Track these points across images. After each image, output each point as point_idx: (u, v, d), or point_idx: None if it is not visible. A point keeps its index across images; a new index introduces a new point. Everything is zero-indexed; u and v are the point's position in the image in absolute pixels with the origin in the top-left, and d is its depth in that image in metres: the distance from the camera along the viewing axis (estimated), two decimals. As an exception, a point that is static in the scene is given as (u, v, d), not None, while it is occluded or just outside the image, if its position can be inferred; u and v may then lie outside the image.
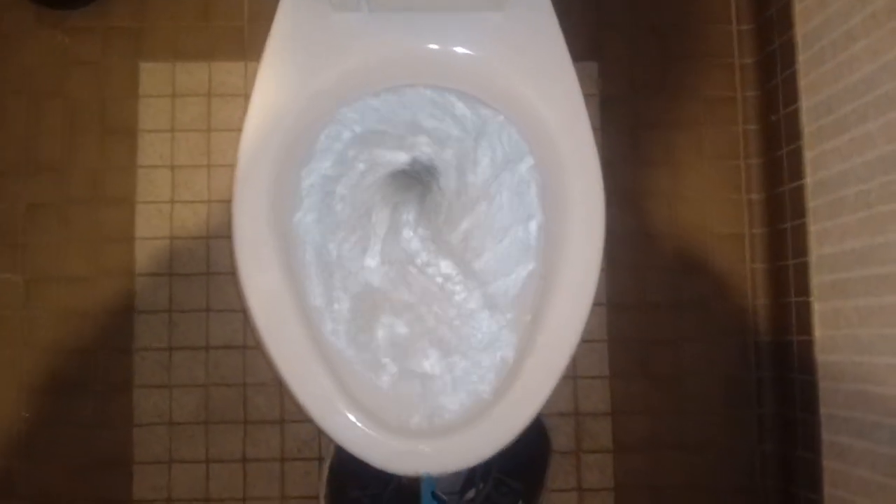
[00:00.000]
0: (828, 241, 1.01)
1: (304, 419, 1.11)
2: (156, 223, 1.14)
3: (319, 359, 0.79)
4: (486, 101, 0.89)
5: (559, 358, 0.82)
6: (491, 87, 0.88)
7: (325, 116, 0.89)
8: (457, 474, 1.03)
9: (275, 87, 0.84)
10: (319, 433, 1.11)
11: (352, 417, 0.78)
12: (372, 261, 0.94)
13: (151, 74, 1.17)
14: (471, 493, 1.05)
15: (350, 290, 0.91)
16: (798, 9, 1.07)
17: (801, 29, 1.06)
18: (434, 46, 0.87)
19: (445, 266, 0.94)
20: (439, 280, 0.94)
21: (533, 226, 0.90)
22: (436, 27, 0.86)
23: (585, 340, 1.13)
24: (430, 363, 0.89)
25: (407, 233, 0.95)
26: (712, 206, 1.17)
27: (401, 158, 0.96)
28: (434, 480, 0.72)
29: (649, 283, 1.16)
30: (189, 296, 1.13)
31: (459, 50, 0.87)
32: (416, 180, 1.00)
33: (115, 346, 1.11)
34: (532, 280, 0.89)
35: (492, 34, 0.87)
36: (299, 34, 0.85)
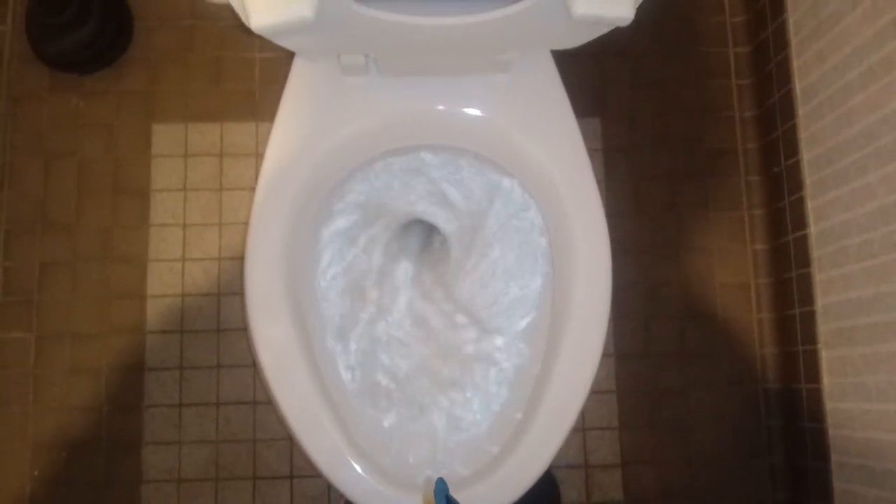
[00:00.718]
0: (833, 290, 1.02)
1: (314, 475, 1.11)
2: (167, 281, 1.15)
3: (329, 411, 0.80)
4: (493, 159, 0.91)
5: (567, 413, 0.82)
6: (498, 146, 0.90)
7: (337, 175, 0.91)
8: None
9: (287, 146, 0.87)
10: (329, 489, 1.11)
11: (361, 471, 0.78)
12: (385, 313, 0.95)
13: (164, 135, 1.19)
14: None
15: (361, 341, 0.92)
16: (796, 64, 1.09)
17: (800, 83, 1.09)
18: (442, 108, 0.89)
19: (453, 315, 0.95)
20: (448, 331, 0.95)
21: (538, 281, 0.92)
22: (444, 89, 0.89)
23: (594, 392, 1.13)
24: (439, 416, 0.90)
25: (418, 284, 0.97)
26: (717, 257, 1.19)
27: (409, 217, 0.98)
28: (447, 485, 0.72)
29: (656, 334, 1.16)
30: (199, 352, 1.14)
31: (467, 111, 0.89)
32: (428, 232, 1.02)
33: (124, 403, 1.12)
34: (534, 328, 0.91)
35: (498, 95, 0.89)
36: (311, 96, 0.88)
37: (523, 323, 0.93)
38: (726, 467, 1.14)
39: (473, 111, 0.89)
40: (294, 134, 0.87)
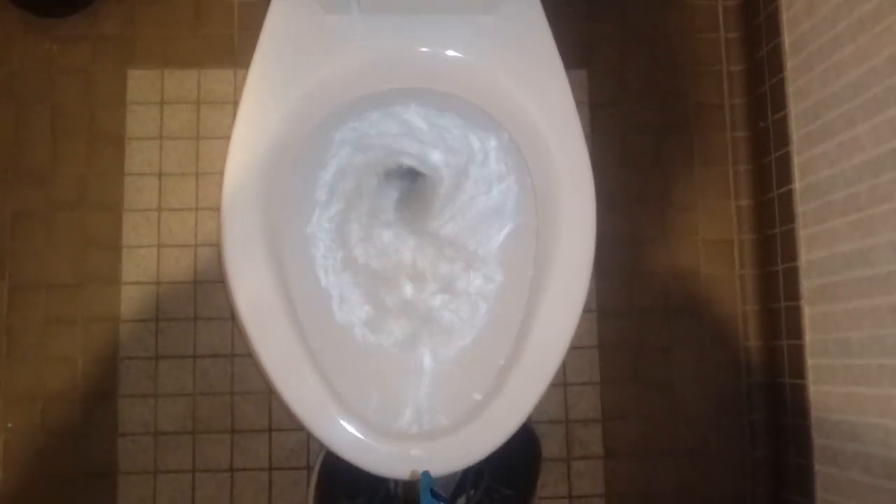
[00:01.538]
0: (817, 246, 1.01)
1: (293, 428, 1.09)
2: (143, 231, 1.13)
3: (309, 361, 0.78)
4: (477, 103, 0.89)
5: (549, 362, 0.81)
6: (482, 91, 0.88)
7: (317, 118, 0.88)
8: (448, 480, 1.02)
9: (265, 88, 0.84)
10: (308, 441, 1.10)
11: (343, 422, 0.77)
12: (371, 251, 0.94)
13: (140, 82, 1.16)
14: (462, 501, 1.04)
15: (345, 278, 0.91)
16: (786, 16, 1.08)
17: (789, 36, 1.07)
18: (425, 49, 0.87)
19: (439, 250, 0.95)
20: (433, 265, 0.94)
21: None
22: (427, 29, 0.86)
23: (576, 347, 1.13)
24: (423, 356, 0.89)
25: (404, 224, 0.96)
26: (702, 213, 1.18)
27: (391, 165, 0.96)
28: (432, 478, 0.71)
29: (639, 289, 1.15)
30: (177, 304, 1.11)
31: (451, 52, 0.87)
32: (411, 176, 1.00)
33: (100, 355, 1.10)
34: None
35: (483, 37, 0.87)
36: (289, 36, 0.85)
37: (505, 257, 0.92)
38: (706, 424, 1.14)
39: (458, 53, 0.86)
40: (272, 75, 0.84)
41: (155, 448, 1.08)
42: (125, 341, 1.10)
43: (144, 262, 1.12)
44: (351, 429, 0.77)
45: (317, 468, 1.05)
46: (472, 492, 1.05)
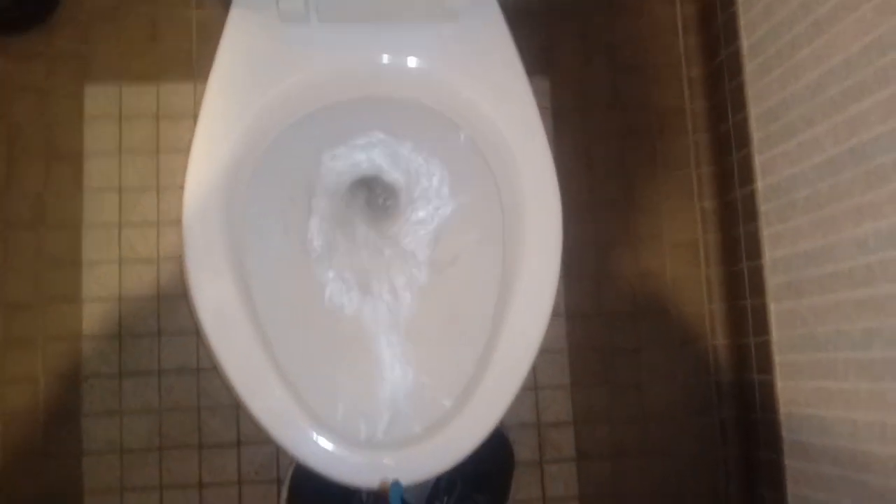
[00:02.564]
0: (781, 244, 1.02)
1: (262, 441, 1.08)
2: (104, 247, 1.11)
3: (275, 372, 0.77)
4: (440, 111, 0.89)
5: (519, 367, 0.81)
6: (444, 98, 0.88)
7: (277, 130, 0.87)
8: (421, 489, 1.01)
9: (224, 101, 0.83)
10: (278, 454, 1.08)
11: (311, 432, 0.76)
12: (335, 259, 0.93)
13: (97, 97, 1.14)
14: (436, 508, 1.04)
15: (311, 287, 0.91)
16: (743, 21, 1.09)
17: (747, 40, 1.09)
18: (386, 58, 0.87)
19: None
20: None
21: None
22: (388, 38, 0.86)
23: (545, 351, 1.12)
24: (391, 369, 0.89)
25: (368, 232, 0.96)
26: (666, 215, 1.19)
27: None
28: (402, 488, 0.70)
29: (607, 292, 1.16)
30: (139, 320, 1.10)
31: (412, 61, 0.86)
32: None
33: (62, 374, 1.07)
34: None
35: (445, 45, 0.87)
36: (247, 48, 0.85)
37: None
38: (677, 423, 1.15)
39: (419, 61, 0.86)
40: (231, 88, 0.83)
41: (121, 466, 1.06)
42: (88, 359, 1.08)
43: (106, 279, 1.10)
44: (319, 439, 0.76)
45: (287, 481, 1.04)
46: (445, 499, 1.04)
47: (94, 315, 1.09)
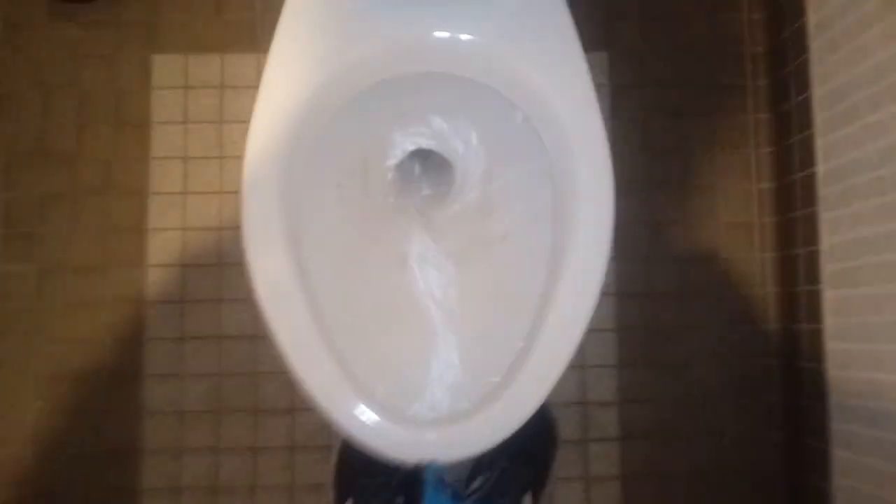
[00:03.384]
0: (839, 230, 1.00)
1: (314, 408, 1.11)
2: (168, 214, 1.15)
3: (325, 344, 0.79)
4: (495, 87, 0.89)
5: (567, 345, 0.82)
6: (499, 75, 0.88)
7: (336, 104, 0.89)
8: (463, 463, 1.03)
9: (284, 75, 0.85)
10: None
11: (356, 405, 0.78)
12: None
13: (164, 66, 1.18)
14: (477, 483, 1.05)
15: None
16: (811, -5, 1.06)
17: (814, 17, 1.05)
18: (443, 34, 0.87)
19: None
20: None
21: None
22: (445, 14, 0.86)
23: (593, 329, 1.12)
24: (440, 344, 0.90)
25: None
26: (722, 195, 1.17)
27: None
28: (440, 468, 0.72)
29: (658, 273, 1.15)
30: (201, 286, 1.14)
31: (466, 37, 0.86)
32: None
33: (126, 336, 1.12)
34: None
35: (501, 21, 0.86)
36: (307, 20, 0.86)
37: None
38: (723, 406, 1.14)
39: (475, 36, 0.86)
40: (291, 61, 0.84)
41: (180, 427, 1.11)
42: (151, 322, 1.13)
43: (169, 245, 1.14)
44: (364, 413, 0.78)
45: (337, 447, 1.07)
46: (488, 474, 1.06)
47: (157, 280, 1.13)
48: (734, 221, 1.17)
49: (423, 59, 0.89)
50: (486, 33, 0.87)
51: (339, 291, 0.90)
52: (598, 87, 1.14)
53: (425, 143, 0.97)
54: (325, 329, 0.82)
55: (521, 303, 0.89)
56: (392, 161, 0.97)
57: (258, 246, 0.80)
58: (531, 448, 1.08)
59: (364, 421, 0.78)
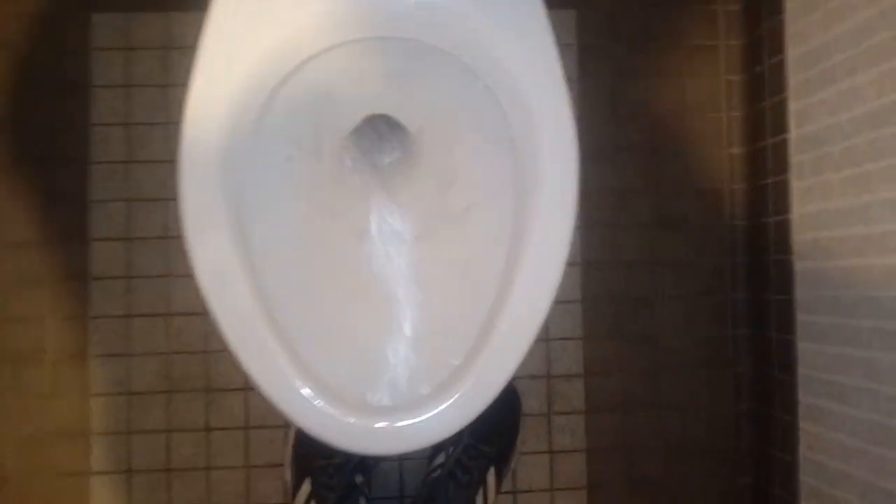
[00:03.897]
0: (811, 199, 0.97)
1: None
2: (110, 184, 1.08)
3: (272, 334, 0.74)
4: (446, 49, 0.83)
5: (530, 324, 0.77)
6: (452, 33, 0.82)
7: (281, 71, 0.83)
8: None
9: (222, 41, 0.78)
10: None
11: (308, 394, 0.74)
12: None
13: (104, 27, 1.10)
14: (440, 458, 1.03)
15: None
16: (786, -49, 1.01)
17: (789, -27, 1.01)
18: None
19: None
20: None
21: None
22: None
23: (558, 301, 1.08)
24: (398, 325, 0.86)
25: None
26: (692, 160, 1.13)
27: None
28: None
29: (625, 241, 1.12)
30: (147, 260, 1.08)
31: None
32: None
33: (69, 313, 1.07)
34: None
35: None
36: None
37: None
38: (691, 377, 1.12)
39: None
40: (229, 28, 0.78)
41: (129, 408, 1.06)
42: (95, 299, 1.07)
43: (113, 217, 1.08)
44: (315, 403, 0.74)
45: (294, 427, 1.04)
46: (451, 449, 1.04)
47: (101, 254, 1.07)
48: (706, 187, 1.13)
49: (376, 23, 0.83)
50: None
51: (292, 270, 0.86)
52: (565, 46, 1.10)
53: (381, 109, 0.91)
54: (272, 315, 0.77)
55: (484, 279, 0.85)
56: (346, 128, 0.92)
57: (197, 232, 0.75)
58: (494, 423, 1.06)
59: (315, 412, 0.74)
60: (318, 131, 0.90)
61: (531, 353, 1.07)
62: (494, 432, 1.05)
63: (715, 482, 1.12)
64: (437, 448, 1.04)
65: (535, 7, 0.81)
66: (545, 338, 1.10)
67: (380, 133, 0.95)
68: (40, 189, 1.07)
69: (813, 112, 0.96)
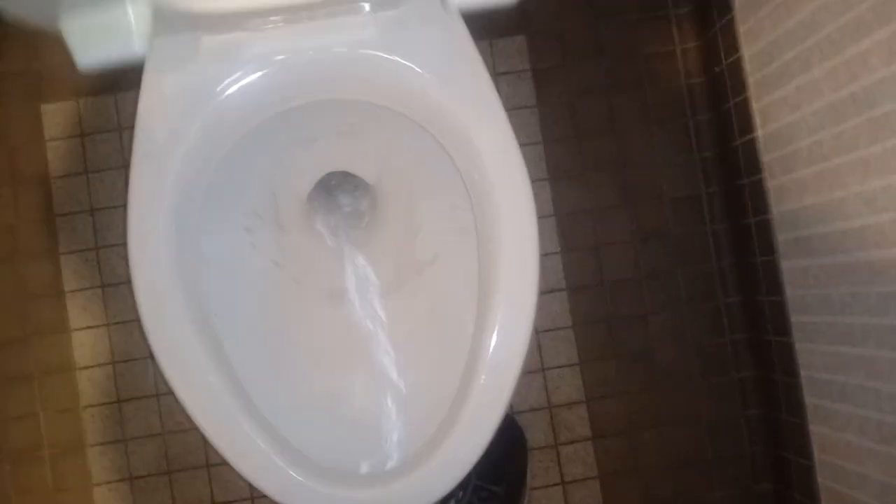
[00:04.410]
0: (787, 198, 0.94)
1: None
2: (84, 273, 1.07)
3: (243, 407, 0.73)
4: (393, 108, 0.81)
5: (506, 378, 0.75)
6: (397, 94, 0.80)
7: (223, 145, 0.81)
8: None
9: (158, 125, 0.77)
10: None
11: (284, 468, 0.72)
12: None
13: (55, 115, 1.09)
14: (451, 505, 1.01)
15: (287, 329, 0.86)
16: (729, -52, 0.99)
17: (734, -30, 0.98)
18: (322, 53, 0.79)
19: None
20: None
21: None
22: (322, 34, 0.78)
23: (550, 329, 1.08)
24: (373, 387, 0.85)
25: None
26: (664, 170, 1.10)
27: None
28: None
29: (608, 260, 1.09)
30: (131, 344, 1.07)
31: (347, 51, 0.78)
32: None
33: (61, 406, 1.06)
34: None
35: (388, 34, 0.78)
36: (174, 64, 0.77)
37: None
38: (693, 388, 1.09)
39: (354, 52, 0.78)
40: (162, 111, 0.77)
41: (132, 493, 1.05)
42: (84, 389, 1.06)
43: (91, 306, 1.07)
44: (298, 480, 0.72)
45: None
46: (460, 494, 1.02)
47: (84, 343, 1.07)
48: (680, 195, 1.10)
49: (311, 86, 0.81)
50: (368, 47, 0.78)
51: (264, 343, 0.85)
52: (520, 73, 1.09)
53: (337, 167, 0.90)
54: (244, 391, 0.75)
55: (460, 330, 0.83)
56: (304, 190, 0.90)
57: (154, 321, 0.73)
58: (502, 461, 1.04)
59: (294, 486, 0.72)
60: (277, 199, 0.89)
61: (529, 385, 1.07)
62: (502, 470, 1.03)
63: (733, 492, 1.09)
64: (447, 497, 1.03)
65: (469, 54, 0.78)
66: (541, 368, 1.08)
67: (341, 192, 0.94)
68: (14, 286, 1.07)
69: (775, 109, 0.94)
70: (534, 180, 0.73)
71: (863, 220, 0.81)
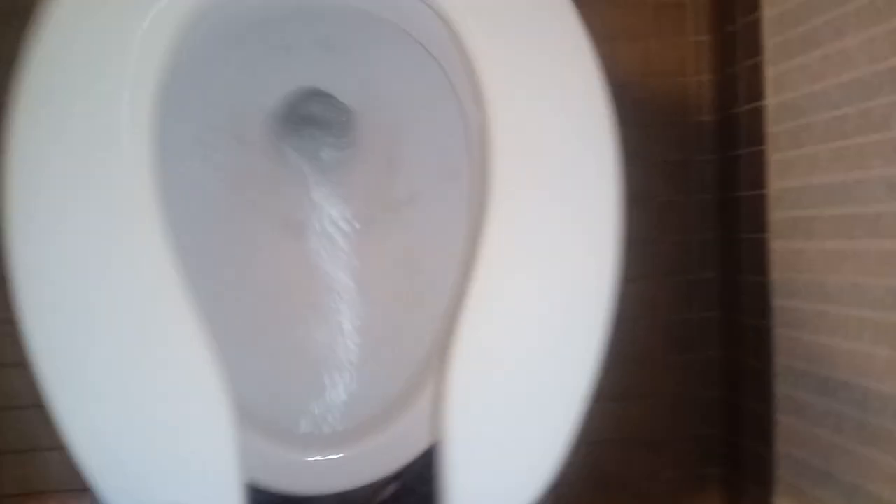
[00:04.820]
0: (791, 174, 0.89)
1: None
2: None
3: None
4: (394, 21, 0.70)
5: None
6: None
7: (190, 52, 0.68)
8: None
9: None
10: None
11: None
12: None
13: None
14: None
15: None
16: None
17: (765, -83, 0.91)
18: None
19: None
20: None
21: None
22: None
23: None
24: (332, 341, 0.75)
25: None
26: (657, 129, 1.03)
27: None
28: None
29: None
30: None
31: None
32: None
33: None
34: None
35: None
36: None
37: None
38: (655, 363, 1.04)
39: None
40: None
41: None
42: None
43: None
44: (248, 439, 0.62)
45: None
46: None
47: None
48: (671, 158, 1.03)
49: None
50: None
51: (212, 277, 0.73)
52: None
53: (314, 83, 0.78)
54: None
55: (435, 282, 0.74)
56: (270, 105, 0.79)
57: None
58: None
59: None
60: (237, 109, 0.77)
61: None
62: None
63: (680, 473, 1.06)
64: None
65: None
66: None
67: (316, 112, 0.82)
68: None
69: (793, 78, 0.87)
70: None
71: (881, 207, 0.75)
